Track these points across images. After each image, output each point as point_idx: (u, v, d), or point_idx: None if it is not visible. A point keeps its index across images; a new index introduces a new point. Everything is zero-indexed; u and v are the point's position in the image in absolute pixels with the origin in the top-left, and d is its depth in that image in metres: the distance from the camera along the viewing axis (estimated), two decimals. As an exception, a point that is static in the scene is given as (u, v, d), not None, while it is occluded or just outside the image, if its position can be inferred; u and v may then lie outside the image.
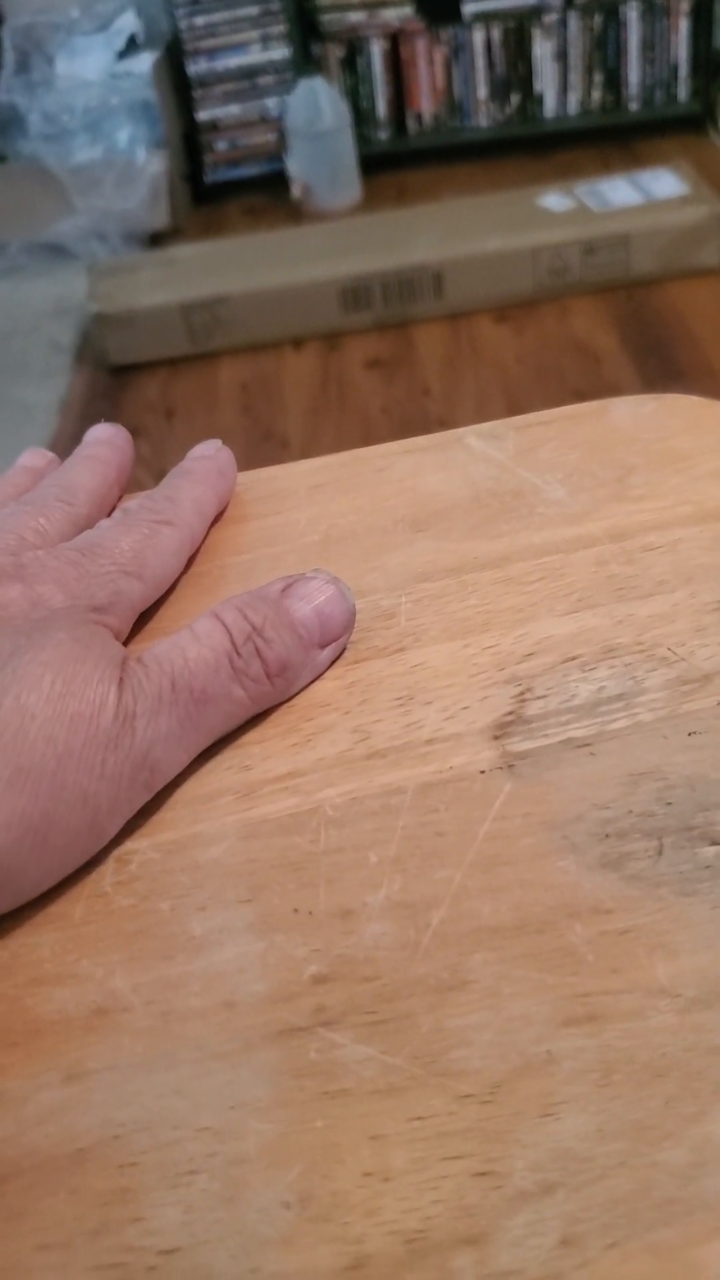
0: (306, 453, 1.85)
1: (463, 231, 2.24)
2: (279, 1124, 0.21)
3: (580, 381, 1.96)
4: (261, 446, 1.92)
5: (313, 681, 0.29)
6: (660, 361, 2.00)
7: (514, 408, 1.92)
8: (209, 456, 0.36)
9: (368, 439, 1.89)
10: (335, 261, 2.21)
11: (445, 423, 1.90)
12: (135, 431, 1.98)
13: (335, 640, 0.30)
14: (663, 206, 2.24)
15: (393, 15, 2.74)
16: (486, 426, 0.37)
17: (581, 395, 1.94)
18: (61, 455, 0.37)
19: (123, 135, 2.65)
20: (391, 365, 2.10)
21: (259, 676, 0.28)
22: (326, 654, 0.29)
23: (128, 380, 2.18)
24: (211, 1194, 0.20)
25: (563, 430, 0.36)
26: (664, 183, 2.30)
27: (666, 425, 0.36)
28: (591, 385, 1.95)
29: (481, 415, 1.88)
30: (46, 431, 2.05)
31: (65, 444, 1.99)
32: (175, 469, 0.35)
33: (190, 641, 0.27)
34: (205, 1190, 0.20)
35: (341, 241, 2.32)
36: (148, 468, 1.80)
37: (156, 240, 2.66)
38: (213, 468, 0.35)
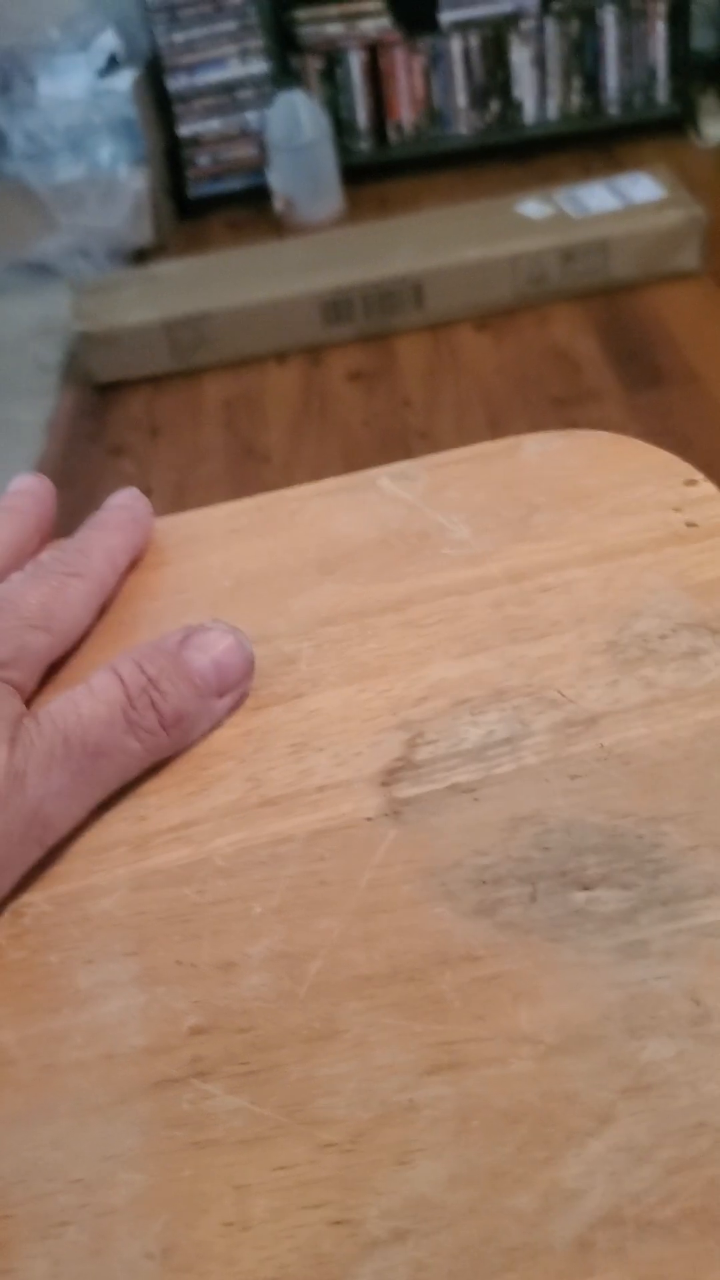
0: (289, 467, 1.86)
1: (443, 241, 2.25)
2: (149, 1174, 0.22)
3: (560, 389, 1.97)
4: (244, 462, 1.93)
5: (211, 730, 0.30)
6: (641, 366, 2.01)
7: (494, 417, 1.93)
8: (124, 505, 0.36)
9: (349, 452, 1.89)
10: (316, 275, 2.22)
11: (426, 434, 1.91)
12: (120, 450, 1.99)
13: (233, 689, 0.30)
14: (640, 211, 2.24)
15: (370, 26, 2.76)
16: (399, 467, 0.38)
17: (561, 403, 1.96)
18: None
19: (105, 153, 2.66)
20: (373, 377, 2.11)
21: (154, 728, 0.28)
22: (225, 703, 0.30)
23: (113, 398, 2.19)
24: (80, 1245, 0.21)
25: (472, 470, 0.37)
26: (641, 187, 2.31)
27: (572, 463, 0.37)
28: (572, 392, 1.95)
29: (461, 425, 1.89)
30: (34, 451, 2.06)
31: (53, 463, 2.00)
32: (90, 519, 0.36)
33: (85, 696, 0.28)
34: (74, 1242, 0.21)
35: (323, 254, 2.33)
36: (133, 484, 1.81)
37: (141, 257, 2.67)
38: (127, 517, 0.36)
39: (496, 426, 1.87)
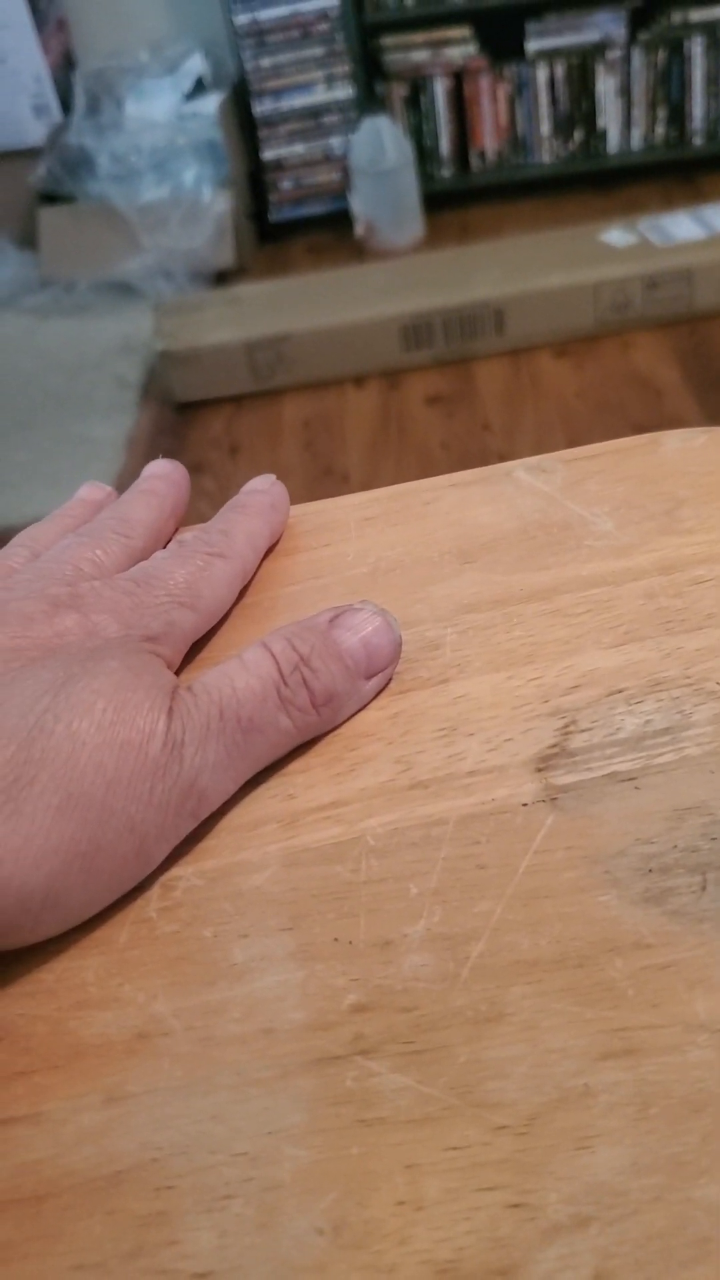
0: (366, 488, 1.86)
1: (524, 268, 2.25)
2: (314, 1150, 0.21)
3: (641, 416, 1.96)
4: (322, 482, 1.93)
5: (358, 711, 0.30)
6: (723, 396, 1.99)
7: (574, 442, 1.91)
8: (263, 490, 0.36)
9: (427, 474, 1.88)
10: (397, 299, 2.23)
11: (505, 457, 1.89)
12: (199, 467, 2.01)
13: (381, 671, 0.30)
14: (726, 241, 2.23)
15: (456, 54, 2.77)
16: (534, 460, 0.37)
17: (642, 430, 1.93)
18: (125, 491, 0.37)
19: (189, 175, 2.70)
20: (451, 401, 2.11)
21: (305, 706, 0.28)
22: (372, 684, 0.30)
23: (193, 417, 2.21)
24: (246, 1219, 0.20)
25: (611, 464, 0.37)
26: (727, 217, 2.30)
27: (717, 458, 0.36)
28: (652, 420, 1.94)
29: (541, 450, 1.88)
30: (113, 467, 2.08)
31: (131, 480, 2.01)
32: (230, 503, 0.36)
33: (239, 671, 0.28)
34: (240, 1215, 0.20)
35: (403, 279, 2.34)
36: (212, 502, 1.82)
37: (222, 278, 2.70)
38: (266, 501, 0.36)
39: (577, 451, 1.86)
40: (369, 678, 0.29)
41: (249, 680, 0.27)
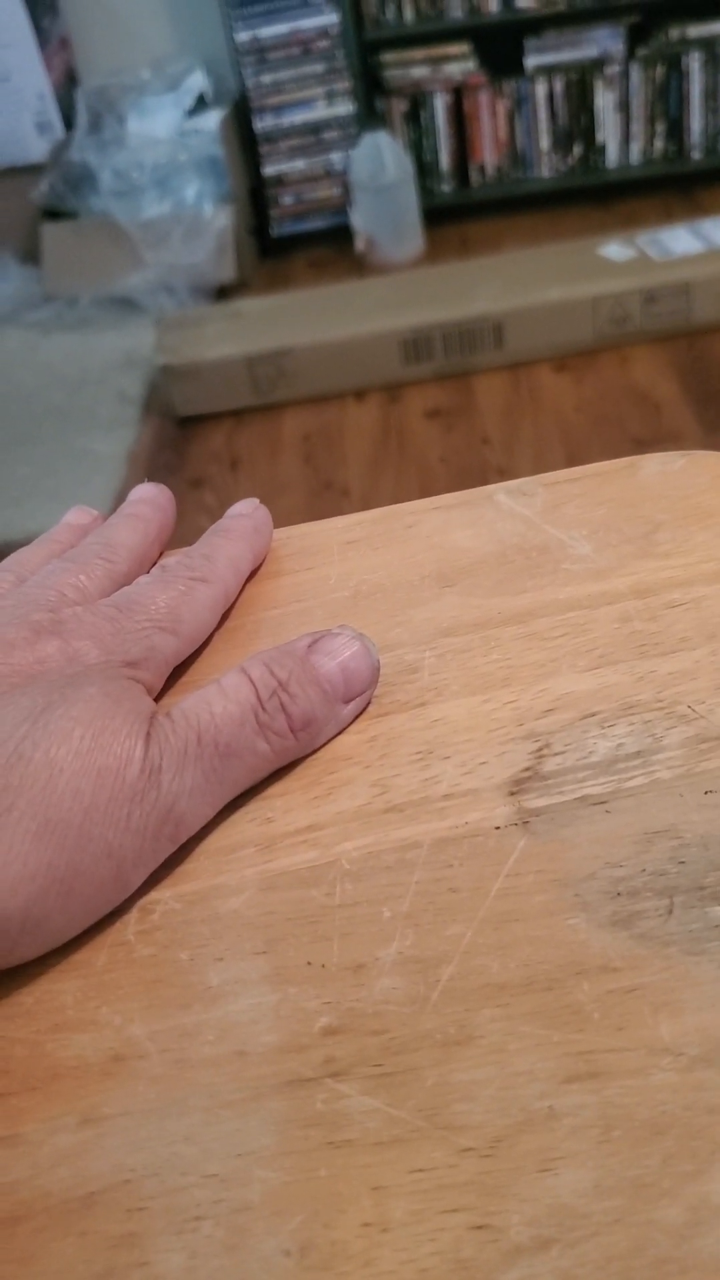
0: (366, 502, 1.87)
1: (524, 282, 2.26)
2: (283, 1172, 0.21)
3: (640, 430, 1.96)
4: (322, 496, 1.94)
5: (336, 735, 0.30)
6: (722, 409, 1.99)
7: (573, 456, 1.93)
8: (246, 515, 0.36)
9: (426, 488, 1.90)
10: (397, 313, 2.24)
11: (504, 472, 1.91)
12: (200, 481, 2.01)
13: (359, 695, 0.30)
14: (724, 255, 2.24)
15: (455, 69, 2.79)
16: (515, 483, 0.38)
17: (641, 444, 1.94)
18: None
19: (191, 191, 2.71)
20: (451, 415, 2.11)
21: (283, 731, 0.28)
22: (350, 708, 0.30)
23: (194, 431, 2.22)
24: (215, 1240, 0.21)
25: (591, 487, 0.37)
26: (726, 231, 2.31)
27: (695, 482, 0.36)
28: (651, 434, 1.95)
29: (540, 464, 1.89)
30: (115, 481, 2.09)
31: (131, 492, 2.02)
32: (213, 527, 0.36)
33: (217, 696, 0.28)
34: (209, 1237, 0.21)
35: (403, 293, 2.35)
36: (212, 516, 1.82)
37: (223, 293, 2.71)
38: (249, 525, 0.36)
39: (575, 465, 1.87)
40: (347, 702, 0.30)
41: (227, 706, 0.28)
